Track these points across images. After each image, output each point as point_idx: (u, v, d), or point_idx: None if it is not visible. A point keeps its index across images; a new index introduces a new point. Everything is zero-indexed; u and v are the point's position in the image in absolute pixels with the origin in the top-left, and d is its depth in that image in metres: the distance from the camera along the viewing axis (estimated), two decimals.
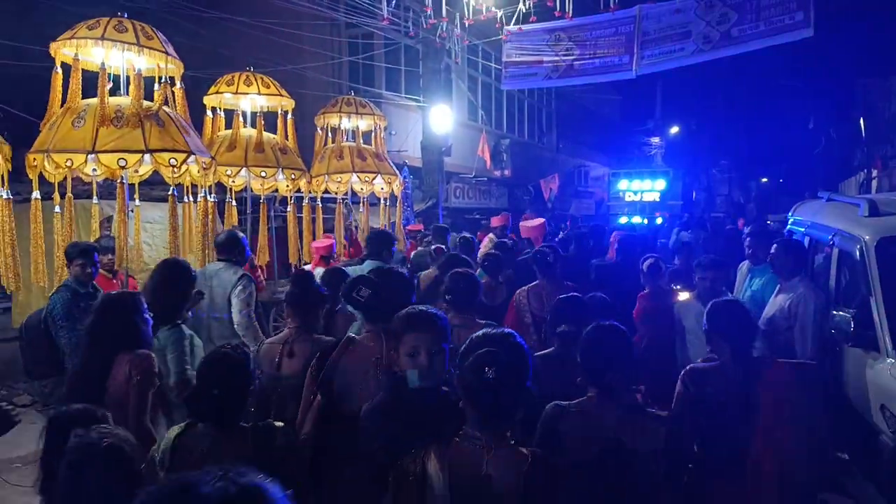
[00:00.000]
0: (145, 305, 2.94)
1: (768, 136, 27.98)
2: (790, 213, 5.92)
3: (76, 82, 4.64)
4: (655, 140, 24.08)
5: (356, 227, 8.62)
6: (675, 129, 26.49)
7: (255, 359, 2.66)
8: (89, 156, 4.34)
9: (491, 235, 8.11)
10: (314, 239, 7.28)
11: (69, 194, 4.65)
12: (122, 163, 4.37)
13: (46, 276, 4.69)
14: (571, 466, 2.14)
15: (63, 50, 4.73)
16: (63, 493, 1.82)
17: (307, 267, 6.22)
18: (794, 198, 9.18)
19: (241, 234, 4.79)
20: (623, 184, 17.89)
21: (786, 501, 2.62)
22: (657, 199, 17.30)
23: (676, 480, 2.47)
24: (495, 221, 8.78)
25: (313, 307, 3.22)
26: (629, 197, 17.60)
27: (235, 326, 4.32)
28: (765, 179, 34.46)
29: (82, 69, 4.77)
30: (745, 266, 5.20)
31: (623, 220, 15.46)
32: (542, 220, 7.54)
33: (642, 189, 17.49)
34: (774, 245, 4.34)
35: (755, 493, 2.62)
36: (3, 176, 4.23)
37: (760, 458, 2.61)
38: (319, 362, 2.69)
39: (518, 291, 4.46)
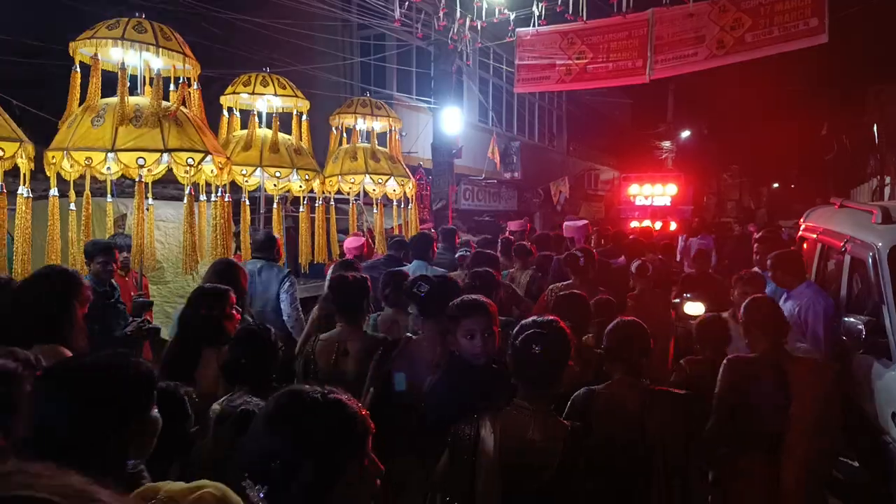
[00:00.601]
0: (233, 301, 3.07)
1: (780, 142, 27.83)
2: (802, 219, 5.91)
3: (96, 81, 4.71)
4: (666, 144, 23.99)
5: (369, 229, 8.67)
6: (685, 133, 26.38)
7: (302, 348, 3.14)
8: (109, 154, 4.42)
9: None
10: (327, 240, 7.34)
11: (87, 192, 4.72)
12: (141, 161, 4.45)
13: None
14: (601, 443, 2.44)
15: (81, 49, 4.81)
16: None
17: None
18: (806, 204, 9.15)
19: (274, 235, 5.16)
20: (634, 188, 17.85)
21: (801, 487, 2.88)
22: (668, 204, 17.23)
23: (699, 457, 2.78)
24: (513, 226, 8.83)
25: (354, 308, 3.28)
26: (640, 201, 17.54)
27: (285, 318, 4.65)
28: (776, 185, 34.28)
29: (101, 70, 4.85)
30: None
31: (636, 224, 15.36)
32: (585, 221, 7.72)
33: (653, 194, 17.44)
34: (769, 262, 4.34)
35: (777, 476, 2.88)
36: (25, 174, 4.29)
37: (789, 443, 2.87)
38: (383, 357, 2.94)
39: (550, 288, 4.78)
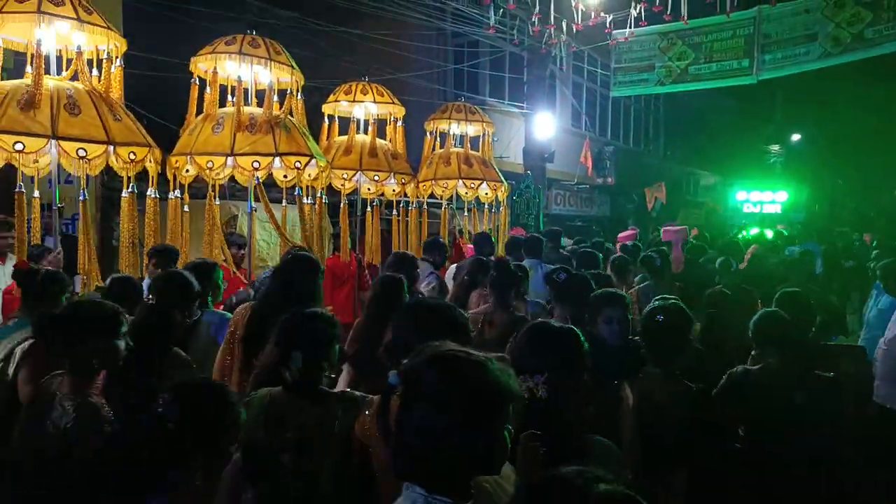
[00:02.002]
0: None
1: None
2: None
3: (214, 93, 5.13)
4: (774, 148, 22.70)
5: (459, 232, 8.79)
6: (796, 137, 24.85)
7: None
8: (228, 158, 4.81)
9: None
10: (419, 243, 7.53)
11: (210, 193, 5.22)
12: (256, 164, 4.86)
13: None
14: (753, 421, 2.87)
15: (200, 64, 5.24)
16: None
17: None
18: None
19: (442, 240, 5.77)
20: (742, 194, 17.12)
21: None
22: (778, 211, 16.41)
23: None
24: (623, 238, 8.81)
25: (508, 287, 3.77)
26: (748, 208, 16.80)
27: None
28: None
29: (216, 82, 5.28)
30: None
31: (753, 231, 14.62)
32: (684, 226, 7.96)
33: (762, 200, 16.68)
34: (879, 272, 4.23)
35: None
36: (153, 177, 4.73)
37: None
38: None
39: (629, 291, 5.14)
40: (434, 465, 1.30)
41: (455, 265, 6.22)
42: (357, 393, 2.34)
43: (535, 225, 11.08)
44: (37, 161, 4.38)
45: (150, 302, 3.04)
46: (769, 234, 12.17)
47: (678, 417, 2.64)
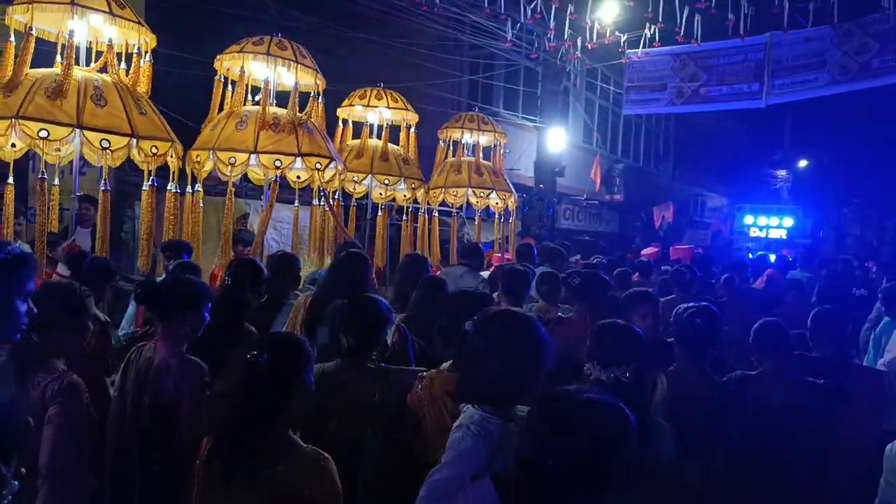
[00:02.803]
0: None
1: None
2: None
3: (241, 90, 5.24)
4: (782, 173, 22.74)
5: (468, 240, 8.89)
6: (803, 163, 24.89)
7: None
8: (252, 155, 4.92)
9: None
10: (428, 248, 7.63)
11: (230, 188, 5.30)
12: (278, 163, 4.97)
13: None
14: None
15: (225, 62, 5.37)
16: None
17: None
18: None
19: (479, 246, 5.93)
20: (748, 218, 17.21)
21: None
22: (783, 237, 16.47)
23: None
24: (646, 253, 9.02)
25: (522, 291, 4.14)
26: (754, 232, 16.88)
27: None
28: None
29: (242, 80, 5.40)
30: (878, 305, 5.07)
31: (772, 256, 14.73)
32: (690, 246, 8.13)
33: (768, 225, 16.76)
34: (881, 294, 4.36)
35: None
36: (174, 172, 4.85)
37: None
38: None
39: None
40: (489, 392, 1.80)
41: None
42: (409, 368, 2.66)
43: (547, 237, 11.18)
44: (58, 150, 4.51)
45: (227, 283, 3.57)
46: (772, 258, 12.25)
47: (703, 407, 2.84)
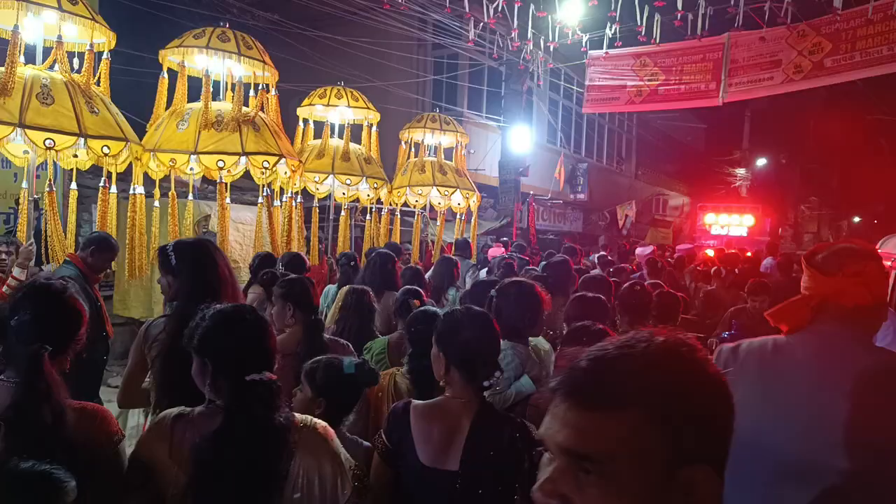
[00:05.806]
0: None
1: (865, 173, 26.45)
2: (878, 246, 5.72)
3: (182, 87, 5.08)
4: (741, 171, 23.27)
5: (431, 241, 8.86)
6: (762, 161, 25.51)
7: None
8: (191, 156, 4.75)
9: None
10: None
11: (172, 191, 5.08)
12: (221, 164, 4.78)
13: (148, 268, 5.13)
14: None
15: (170, 57, 5.20)
16: None
17: None
18: None
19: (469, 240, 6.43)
20: (710, 217, 17.60)
21: None
22: (744, 235, 16.87)
23: None
24: (641, 255, 9.38)
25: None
26: (716, 230, 17.26)
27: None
28: (857, 219, 32.56)
29: (187, 75, 5.24)
30: None
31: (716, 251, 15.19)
32: (653, 247, 8.35)
33: (730, 224, 17.16)
34: None
35: None
36: (136, 174, 4.68)
37: None
38: None
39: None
40: (512, 330, 2.67)
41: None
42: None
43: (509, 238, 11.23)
44: (27, 152, 4.34)
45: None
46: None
47: None
